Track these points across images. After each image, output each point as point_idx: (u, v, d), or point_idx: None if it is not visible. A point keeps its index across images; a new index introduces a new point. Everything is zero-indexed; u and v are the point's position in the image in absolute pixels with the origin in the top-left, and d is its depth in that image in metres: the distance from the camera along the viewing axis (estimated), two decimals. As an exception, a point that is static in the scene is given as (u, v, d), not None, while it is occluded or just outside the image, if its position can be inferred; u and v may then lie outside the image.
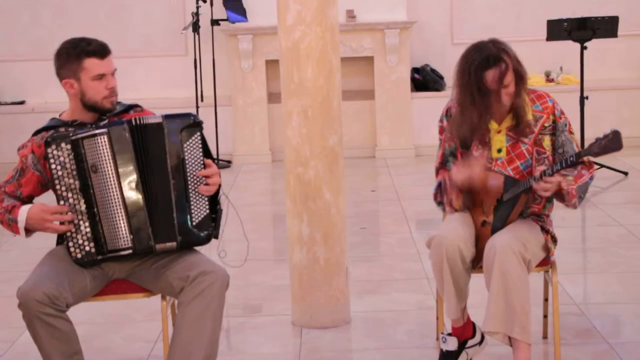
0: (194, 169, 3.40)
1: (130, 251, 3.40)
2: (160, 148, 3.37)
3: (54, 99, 8.97)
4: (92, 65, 3.41)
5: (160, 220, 3.39)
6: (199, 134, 3.41)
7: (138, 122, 3.37)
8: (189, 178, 3.39)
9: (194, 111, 8.51)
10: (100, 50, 3.43)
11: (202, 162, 3.41)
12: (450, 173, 3.63)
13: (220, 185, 3.49)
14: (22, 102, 9.26)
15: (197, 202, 3.42)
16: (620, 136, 3.37)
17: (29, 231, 3.43)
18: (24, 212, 3.38)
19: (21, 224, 3.38)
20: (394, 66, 8.87)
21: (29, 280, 3.30)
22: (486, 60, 3.48)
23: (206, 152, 3.45)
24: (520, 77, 3.53)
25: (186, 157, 3.38)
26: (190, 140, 3.39)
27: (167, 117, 3.39)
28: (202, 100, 8.81)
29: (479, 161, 3.58)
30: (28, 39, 9.24)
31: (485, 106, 3.54)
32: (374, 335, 4.28)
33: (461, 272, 3.56)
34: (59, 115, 3.55)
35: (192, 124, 3.39)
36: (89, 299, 3.49)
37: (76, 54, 3.41)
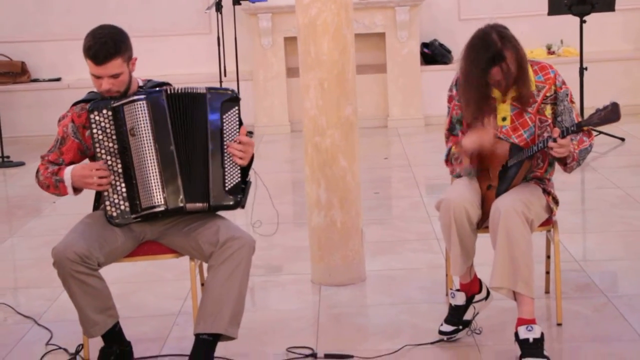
0: (230, 139, 3.43)
1: (163, 208, 3.41)
2: (202, 115, 3.42)
3: (87, 76, 8.98)
4: (90, 65, 3.39)
5: (194, 182, 3.42)
6: (237, 107, 3.45)
7: (180, 90, 3.41)
8: (225, 146, 3.42)
9: (217, 85, 8.51)
10: (97, 57, 3.33)
11: (238, 134, 3.45)
12: (461, 141, 3.61)
13: (252, 158, 3.51)
14: (58, 79, 9.27)
15: (231, 169, 3.44)
16: (618, 108, 3.34)
17: (76, 190, 3.45)
18: (68, 171, 3.42)
19: (67, 182, 3.41)
20: (405, 41, 8.81)
21: (63, 240, 3.33)
22: (491, 60, 3.43)
23: (241, 126, 3.49)
24: (520, 65, 3.48)
25: (224, 127, 3.43)
26: (229, 113, 3.44)
27: (210, 89, 3.45)
28: (225, 75, 8.78)
29: (489, 129, 3.56)
30: (62, 21, 9.22)
31: (486, 96, 3.53)
32: (388, 292, 4.29)
33: (468, 232, 3.55)
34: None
35: (232, 98, 3.45)
36: (122, 260, 3.51)
37: (83, 49, 3.38)
